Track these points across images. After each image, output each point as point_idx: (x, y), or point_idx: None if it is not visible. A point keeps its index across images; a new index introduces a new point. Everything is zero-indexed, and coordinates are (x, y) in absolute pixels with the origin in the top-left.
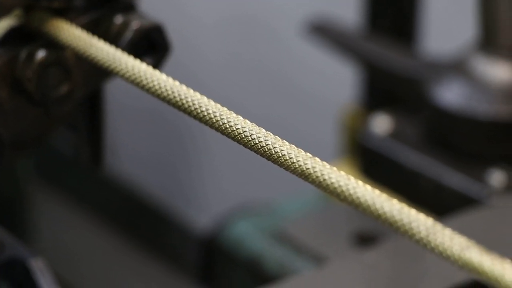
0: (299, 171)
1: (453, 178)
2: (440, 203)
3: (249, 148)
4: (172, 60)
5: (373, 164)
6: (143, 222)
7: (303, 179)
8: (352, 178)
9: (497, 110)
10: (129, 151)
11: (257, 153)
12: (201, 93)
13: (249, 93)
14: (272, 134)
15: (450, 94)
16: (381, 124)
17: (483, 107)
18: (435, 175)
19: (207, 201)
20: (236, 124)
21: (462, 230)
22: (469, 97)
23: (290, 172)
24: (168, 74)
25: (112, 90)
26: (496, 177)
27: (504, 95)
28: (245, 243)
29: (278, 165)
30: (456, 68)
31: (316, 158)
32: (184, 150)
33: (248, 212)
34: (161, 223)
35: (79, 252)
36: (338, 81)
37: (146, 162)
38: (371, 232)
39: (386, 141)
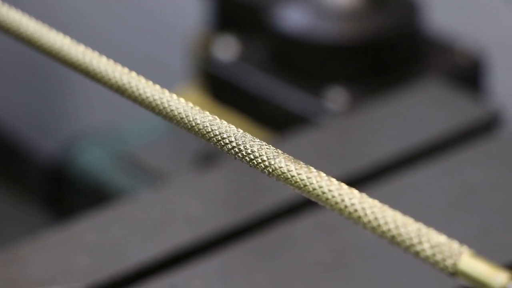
0: (116, 87)
1: (295, 100)
2: (284, 125)
3: (67, 66)
4: None
5: (220, 88)
6: None
7: (120, 95)
8: (166, 92)
9: (337, 32)
10: None
11: (76, 71)
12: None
13: (98, 17)
14: (91, 51)
15: (290, 18)
16: (227, 47)
17: (323, 30)
18: (277, 97)
19: (58, 128)
20: (55, 43)
21: (293, 150)
22: (309, 20)
23: (109, 88)
24: None
25: None
26: (336, 98)
27: (343, 16)
28: (91, 171)
29: (96, 81)
30: None
31: (133, 74)
32: (38, 79)
33: (96, 138)
34: (11, 151)
35: None
36: (186, 6)
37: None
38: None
39: (230, 64)
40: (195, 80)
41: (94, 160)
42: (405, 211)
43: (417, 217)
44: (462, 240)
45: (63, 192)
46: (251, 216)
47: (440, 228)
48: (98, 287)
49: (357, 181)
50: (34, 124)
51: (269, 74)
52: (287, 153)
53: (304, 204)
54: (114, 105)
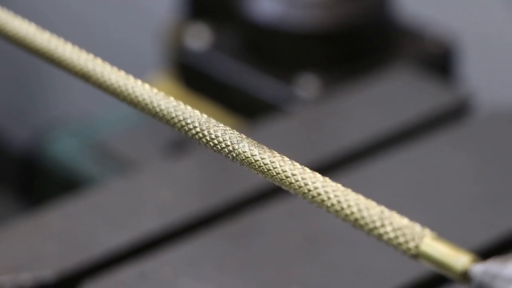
0: (81, 74)
1: (266, 88)
2: (256, 113)
3: (32, 54)
4: None
5: (192, 77)
6: None
7: (85, 81)
8: (131, 78)
9: (308, 20)
10: None
11: (41, 58)
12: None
13: (71, 5)
14: (56, 38)
15: (262, 6)
16: (199, 36)
17: (295, 18)
18: (249, 85)
19: (30, 117)
20: (20, 31)
21: (265, 138)
22: (280, 8)
23: (74, 75)
24: None
25: None
26: (307, 86)
27: (314, 4)
28: (63, 159)
29: (62, 68)
30: None
31: (98, 60)
32: (17, 72)
33: (68, 127)
34: None
35: None
36: None
37: None
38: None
39: (202, 53)
40: (168, 69)
41: (66, 149)
42: (376, 196)
43: (387, 202)
44: (431, 225)
45: (35, 181)
46: (222, 203)
47: (410, 213)
48: (68, 274)
49: (329, 168)
50: (6, 113)
51: (241, 62)
52: (259, 141)
53: (275, 191)
54: (89, 94)
